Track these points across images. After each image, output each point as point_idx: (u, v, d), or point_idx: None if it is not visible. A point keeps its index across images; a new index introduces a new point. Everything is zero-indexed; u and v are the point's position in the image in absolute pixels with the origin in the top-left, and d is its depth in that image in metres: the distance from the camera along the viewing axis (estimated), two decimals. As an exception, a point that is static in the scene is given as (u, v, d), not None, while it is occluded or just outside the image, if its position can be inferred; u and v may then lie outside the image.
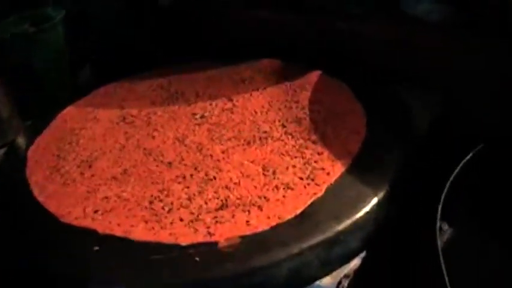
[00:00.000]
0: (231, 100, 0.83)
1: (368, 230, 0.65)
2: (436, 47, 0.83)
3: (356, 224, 0.63)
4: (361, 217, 0.64)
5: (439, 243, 0.56)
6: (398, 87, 0.84)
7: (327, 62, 0.90)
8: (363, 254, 0.65)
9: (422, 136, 0.78)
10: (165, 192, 0.68)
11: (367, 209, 0.64)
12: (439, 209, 0.58)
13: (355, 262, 0.64)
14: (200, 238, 0.61)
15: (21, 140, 0.84)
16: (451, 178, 0.61)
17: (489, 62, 0.78)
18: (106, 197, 0.69)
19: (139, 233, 0.63)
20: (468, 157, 0.63)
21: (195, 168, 0.71)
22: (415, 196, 0.67)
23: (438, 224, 0.58)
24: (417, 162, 0.72)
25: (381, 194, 0.66)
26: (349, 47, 0.90)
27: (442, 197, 0.59)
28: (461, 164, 0.62)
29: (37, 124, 0.87)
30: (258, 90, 0.85)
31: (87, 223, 0.66)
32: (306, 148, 0.72)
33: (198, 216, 0.64)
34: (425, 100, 0.83)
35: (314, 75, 0.87)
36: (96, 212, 0.67)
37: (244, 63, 0.93)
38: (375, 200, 0.65)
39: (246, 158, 0.72)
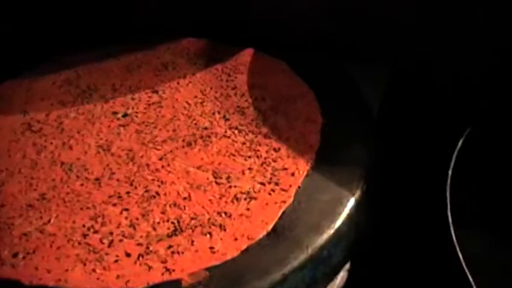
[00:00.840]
0: (156, 92, 0.70)
1: (351, 237, 0.55)
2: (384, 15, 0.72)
3: (338, 233, 0.54)
4: (342, 224, 0.53)
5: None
6: (341, 62, 0.73)
7: (256, 37, 0.77)
8: (347, 266, 0.54)
9: (379, 120, 0.67)
10: (100, 220, 0.54)
11: (346, 212, 0.54)
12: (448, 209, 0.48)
13: (342, 275, 0.54)
14: (157, 277, 0.49)
15: None
16: (450, 172, 0.51)
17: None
18: (25, 234, 0.55)
19: (78, 279, 0.50)
20: (460, 144, 0.53)
21: (131, 184, 0.58)
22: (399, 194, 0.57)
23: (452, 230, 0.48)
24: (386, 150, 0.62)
25: (358, 193, 0.55)
26: (280, 17, 0.78)
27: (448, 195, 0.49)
28: (455, 153, 0.52)
29: None
30: (185, 77, 0.72)
31: (6, 273, 0.51)
32: (259, 144, 0.61)
33: (147, 247, 0.52)
34: (371, 76, 0.72)
35: (246, 55, 0.74)
36: (15, 255, 0.53)
37: (161, 44, 0.79)
38: (352, 202, 0.54)
39: (190, 164, 0.59)
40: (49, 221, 0.56)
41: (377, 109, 0.70)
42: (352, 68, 0.73)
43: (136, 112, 0.68)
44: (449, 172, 0.53)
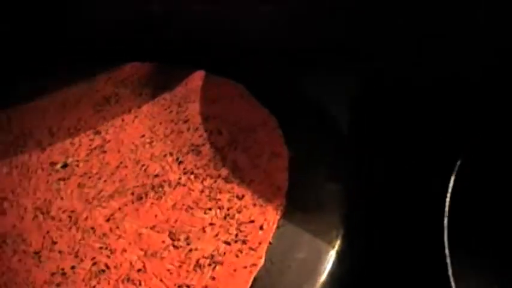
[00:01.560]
0: (98, 132, 0.61)
1: None
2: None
3: None
4: (324, 284, 0.45)
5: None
6: (302, 78, 0.65)
7: (204, 56, 0.68)
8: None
9: (351, 140, 0.60)
10: None
11: (327, 270, 0.46)
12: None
13: None
14: None
15: None
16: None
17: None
18: None
19: None
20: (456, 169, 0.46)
21: (76, 255, 0.49)
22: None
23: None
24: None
25: (338, 243, 0.48)
26: (232, 32, 0.69)
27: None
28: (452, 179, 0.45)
29: None
30: (130, 111, 0.63)
31: None
32: (219, 191, 0.52)
33: None
34: (338, 89, 0.64)
35: (197, 78, 0.66)
36: None
37: (101, 73, 0.69)
38: (332, 255, 0.47)
39: (142, 224, 0.51)
40: None
41: (348, 126, 0.62)
42: (315, 81, 0.64)
43: (77, 160, 0.59)
44: (447, 200, 0.45)
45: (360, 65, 0.68)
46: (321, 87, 0.65)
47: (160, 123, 0.62)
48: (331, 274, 0.47)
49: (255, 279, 0.47)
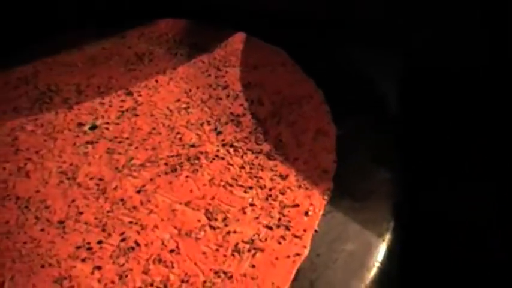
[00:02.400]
0: (130, 93, 0.56)
1: None
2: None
3: None
4: (373, 281, 0.41)
5: None
6: (349, 50, 0.60)
7: (246, 16, 0.63)
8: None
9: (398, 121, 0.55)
10: (67, 283, 0.42)
11: (377, 266, 0.41)
12: None
13: None
14: None
15: None
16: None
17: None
18: None
19: None
20: None
21: (103, 229, 0.45)
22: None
23: None
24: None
25: (388, 237, 0.43)
26: None
27: None
28: None
29: None
30: (164, 72, 0.58)
31: None
32: (261, 169, 0.48)
33: (128, 326, 0.39)
34: (387, 65, 0.59)
35: (238, 41, 0.61)
36: None
37: (133, 29, 0.64)
38: (383, 250, 0.42)
39: (176, 199, 0.46)
40: (2, 285, 0.43)
41: (395, 104, 0.57)
42: (362, 55, 0.59)
43: (107, 123, 0.54)
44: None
45: (408, 44, 0.62)
46: (369, 64, 0.59)
47: (197, 88, 0.58)
48: (381, 270, 0.43)
49: (298, 271, 0.43)
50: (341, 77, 0.57)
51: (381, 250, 0.44)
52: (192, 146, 0.52)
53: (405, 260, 0.45)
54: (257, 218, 0.46)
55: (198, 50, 0.61)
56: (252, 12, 0.64)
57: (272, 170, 0.49)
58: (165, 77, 0.59)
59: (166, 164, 0.50)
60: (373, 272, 0.43)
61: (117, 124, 0.55)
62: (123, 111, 0.56)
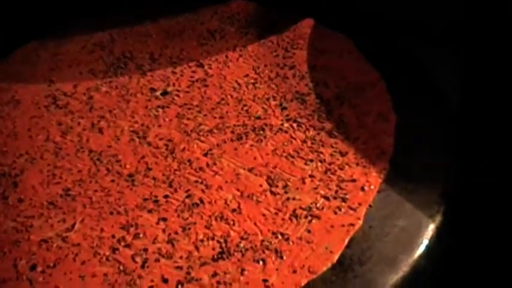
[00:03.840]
0: (201, 65, 0.59)
1: (429, 273, 0.44)
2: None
3: (416, 269, 0.43)
4: (421, 257, 0.43)
5: None
6: (413, 44, 0.62)
7: (314, 5, 0.66)
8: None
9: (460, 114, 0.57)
10: (133, 230, 0.45)
11: (425, 244, 0.44)
12: None
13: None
14: (199, 316, 0.40)
15: None
16: None
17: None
18: (45, 241, 0.45)
19: None
20: None
21: (170, 185, 0.48)
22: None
23: None
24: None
25: (439, 219, 0.45)
26: None
27: None
28: None
29: None
30: (234, 49, 0.61)
31: None
32: (322, 144, 0.50)
33: (188, 272, 0.43)
34: (452, 65, 0.61)
35: (306, 26, 0.63)
36: (33, 268, 0.44)
37: (206, 7, 0.67)
38: (432, 229, 0.44)
39: (240, 164, 0.49)
40: (73, 226, 0.47)
41: (457, 99, 0.59)
42: (425, 50, 0.61)
43: (178, 90, 0.58)
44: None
45: (470, 39, 0.64)
46: (434, 62, 0.61)
47: (265, 66, 0.60)
48: (428, 249, 0.45)
49: (351, 240, 0.45)
50: (403, 69, 0.59)
51: (430, 230, 0.46)
52: (258, 118, 0.54)
53: (453, 242, 0.47)
54: (315, 188, 0.48)
55: (267, 32, 0.64)
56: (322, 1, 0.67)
57: (332, 147, 0.51)
58: (235, 53, 0.62)
59: (232, 132, 0.53)
60: (420, 249, 0.45)
61: (188, 92, 0.58)
62: (193, 81, 0.59)
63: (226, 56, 0.61)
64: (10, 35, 0.66)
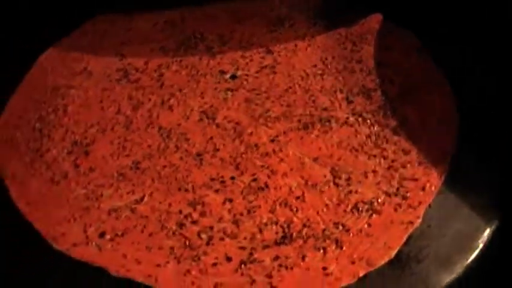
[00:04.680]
0: (270, 52, 0.61)
1: (482, 276, 0.46)
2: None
3: (470, 271, 0.44)
4: (475, 260, 0.45)
5: None
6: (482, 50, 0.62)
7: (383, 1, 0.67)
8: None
9: None
10: (200, 208, 0.47)
11: (480, 247, 0.45)
12: None
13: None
14: (259, 295, 0.42)
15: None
16: None
17: None
18: (114, 210, 0.48)
19: (169, 279, 0.44)
20: None
21: (237, 167, 0.50)
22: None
23: None
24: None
25: (495, 224, 0.46)
26: None
27: None
28: None
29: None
30: (303, 38, 0.62)
31: (91, 255, 0.44)
32: (386, 141, 0.52)
33: (251, 253, 0.44)
34: None
35: (374, 21, 0.64)
36: (102, 235, 0.46)
37: None
38: (488, 234, 0.46)
39: (306, 153, 0.51)
40: (142, 198, 0.49)
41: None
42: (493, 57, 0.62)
43: (247, 75, 0.59)
44: None
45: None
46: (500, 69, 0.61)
47: (333, 58, 0.62)
48: (483, 253, 0.47)
49: (409, 237, 0.47)
50: (471, 73, 0.60)
51: (487, 235, 0.47)
52: (324, 109, 0.56)
53: (508, 248, 0.49)
54: (378, 183, 0.50)
55: (335, 23, 0.65)
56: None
57: (396, 144, 0.53)
58: (304, 42, 0.63)
59: (299, 120, 0.55)
60: (475, 253, 0.47)
61: (256, 77, 0.59)
62: (262, 67, 0.60)
63: (295, 45, 0.63)
64: (79, 7, 0.68)
